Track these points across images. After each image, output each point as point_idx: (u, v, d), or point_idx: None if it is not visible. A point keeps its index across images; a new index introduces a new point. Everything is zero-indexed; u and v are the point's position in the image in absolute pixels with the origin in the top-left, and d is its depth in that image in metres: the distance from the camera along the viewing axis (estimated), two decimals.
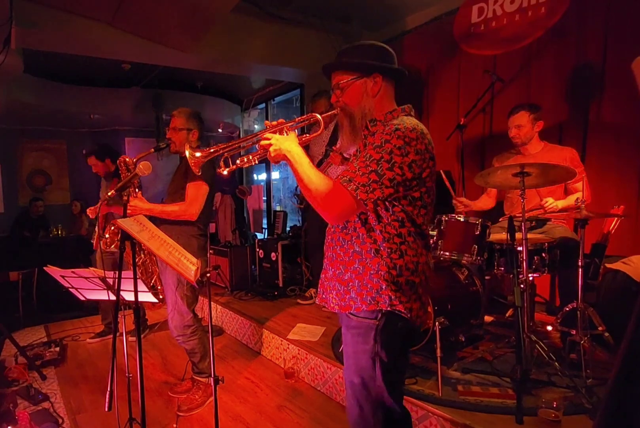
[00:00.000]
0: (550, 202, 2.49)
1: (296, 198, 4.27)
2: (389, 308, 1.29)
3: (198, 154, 1.34)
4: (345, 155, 1.56)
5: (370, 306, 1.30)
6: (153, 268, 2.53)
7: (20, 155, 7.27)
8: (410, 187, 1.27)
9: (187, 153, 1.35)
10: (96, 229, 3.45)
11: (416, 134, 1.25)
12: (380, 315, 1.31)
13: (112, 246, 2.69)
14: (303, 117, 1.39)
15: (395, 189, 1.24)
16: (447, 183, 2.80)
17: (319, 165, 3.48)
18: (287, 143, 1.28)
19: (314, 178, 1.25)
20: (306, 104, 5.53)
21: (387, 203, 1.30)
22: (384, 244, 1.30)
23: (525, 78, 3.35)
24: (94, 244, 3.54)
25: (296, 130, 1.37)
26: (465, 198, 3.41)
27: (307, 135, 1.40)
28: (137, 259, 2.47)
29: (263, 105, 7.00)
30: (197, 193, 2.39)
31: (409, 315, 1.30)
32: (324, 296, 1.46)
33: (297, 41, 4.67)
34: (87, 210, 3.33)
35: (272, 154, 1.29)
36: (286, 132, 1.33)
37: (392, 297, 1.29)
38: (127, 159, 2.40)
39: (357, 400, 1.38)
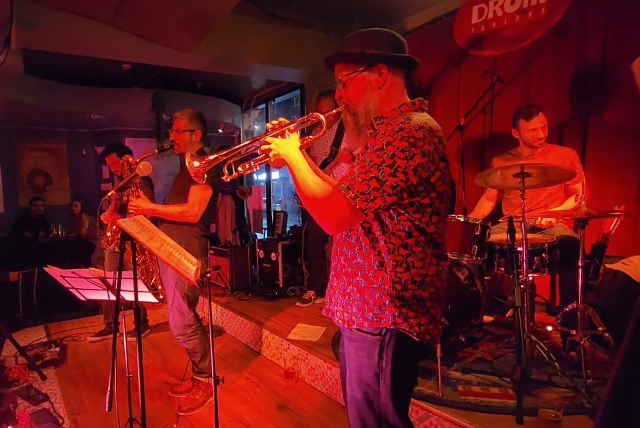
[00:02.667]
0: (546, 221, 2.56)
1: (297, 198, 4.27)
2: (392, 327, 1.19)
3: (196, 163, 1.29)
4: (354, 153, 1.52)
5: (373, 323, 1.21)
6: (154, 268, 2.53)
7: (20, 155, 7.27)
8: (417, 193, 1.15)
9: (186, 163, 1.31)
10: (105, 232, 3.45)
11: (423, 133, 1.12)
12: (384, 331, 1.21)
13: (113, 244, 2.69)
14: (305, 117, 1.33)
15: (399, 197, 1.13)
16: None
17: (324, 165, 3.47)
18: (285, 147, 1.23)
19: (310, 183, 1.19)
20: (306, 103, 5.53)
21: (391, 211, 1.18)
22: (389, 257, 1.19)
23: (526, 78, 3.35)
24: (103, 244, 3.55)
25: (298, 131, 1.32)
26: (465, 199, 3.41)
27: (310, 137, 1.35)
28: (137, 259, 2.47)
29: (263, 105, 7.00)
30: (200, 196, 2.40)
31: (415, 332, 1.20)
32: (329, 307, 1.39)
33: (297, 41, 4.67)
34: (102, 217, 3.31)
35: (272, 160, 1.24)
36: (288, 134, 1.27)
37: (396, 314, 1.18)
38: (131, 159, 2.41)
39: (359, 416, 1.30)
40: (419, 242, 1.20)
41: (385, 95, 1.27)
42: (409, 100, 1.30)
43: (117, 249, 3.43)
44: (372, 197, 1.11)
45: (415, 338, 1.20)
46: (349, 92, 1.29)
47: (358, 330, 1.25)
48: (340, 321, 1.30)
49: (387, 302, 1.19)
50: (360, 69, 1.25)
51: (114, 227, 2.48)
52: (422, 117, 1.19)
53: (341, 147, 3.25)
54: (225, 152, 1.29)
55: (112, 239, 2.61)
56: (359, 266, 1.24)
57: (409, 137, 1.11)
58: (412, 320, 1.19)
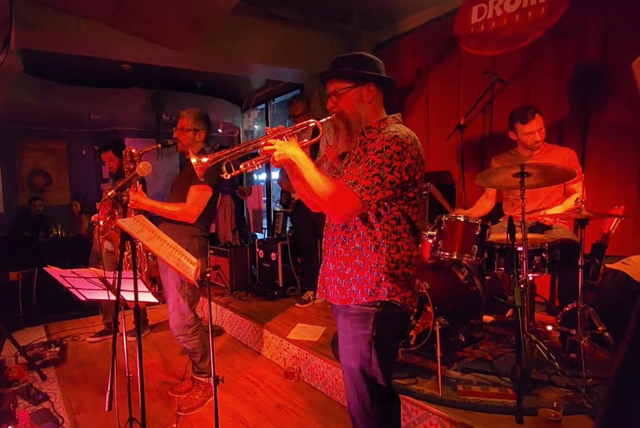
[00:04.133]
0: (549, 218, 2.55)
1: (280, 203, 4.27)
2: (387, 299, 1.42)
3: (205, 160, 1.38)
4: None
5: (370, 298, 1.42)
6: (142, 264, 2.53)
7: (20, 155, 7.27)
8: (406, 188, 1.40)
9: (193, 160, 1.39)
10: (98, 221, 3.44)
11: (411, 140, 1.38)
12: (379, 303, 1.43)
13: (105, 235, 2.69)
14: (302, 123, 1.49)
15: (395, 191, 1.37)
16: (440, 199, 2.79)
17: None
18: (291, 148, 1.36)
19: (320, 181, 1.34)
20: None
21: (386, 203, 1.41)
22: (383, 241, 1.42)
23: (525, 78, 3.35)
24: (101, 245, 3.54)
25: (295, 136, 1.45)
26: (465, 199, 3.41)
27: (307, 140, 1.50)
28: (129, 256, 2.47)
29: (263, 105, 7.00)
30: (199, 196, 2.40)
31: (403, 304, 1.44)
32: (324, 290, 1.57)
33: (297, 41, 4.67)
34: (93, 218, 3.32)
35: (277, 159, 1.36)
36: (286, 138, 1.41)
37: (390, 288, 1.42)
38: (134, 151, 2.41)
39: (354, 384, 1.50)
40: (406, 229, 1.45)
41: (372, 108, 1.51)
42: (386, 114, 1.54)
43: (111, 248, 3.44)
44: (374, 191, 1.33)
45: (402, 308, 1.45)
46: (342, 103, 1.50)
47: (356, 304, 1.45)
48: (338, 300, 1.49)
49: (383, 278, 1.42)
50: (354, 84, 1.47)
51: (107, 218, 2.48)
52: (406, 129, 1.44)
53: (328, 144, 3.25)
54: (228, 151, 1.39)
55: (104, 229, 2.60)
56: (357, 251, 1.45)
57: (402, 142, 1.35)
58: (401, 294, 1.44)
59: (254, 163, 1.41)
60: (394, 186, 1.35)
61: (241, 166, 1.41)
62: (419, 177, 1.42)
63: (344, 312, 1.50)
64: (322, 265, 1.59)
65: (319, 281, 1.60)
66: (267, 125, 6.77)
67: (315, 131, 1.51)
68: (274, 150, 1.36)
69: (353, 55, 1.53)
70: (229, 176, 1.41)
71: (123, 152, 2.47)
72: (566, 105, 3.12)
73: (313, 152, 3.45)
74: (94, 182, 7.71)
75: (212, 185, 2.41)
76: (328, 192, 1.33)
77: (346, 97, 1.48)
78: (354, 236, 1.45)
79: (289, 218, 4.78)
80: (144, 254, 2.54)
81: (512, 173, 2.14)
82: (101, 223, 2.63)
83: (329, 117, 1.52)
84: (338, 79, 1.50)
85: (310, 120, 1.48)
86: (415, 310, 1.56)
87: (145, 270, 2.50)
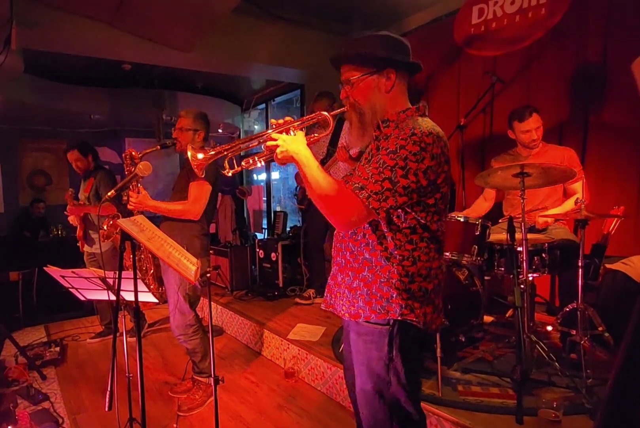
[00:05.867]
0: (542, 221, 2.53)
1: (296, 198, 4.26)
2: (399, 318, 1.24)
3: (200, 156, 1.27)
4: (350, 153, 1.52)
5: (380, 315, 1.26)
6: (148, 266, 2.53)
7: (20, 155, 7.27)
8: (424, 194, 1.21)
9: (189, 155, 1.29)
10: (77, 231, 3.47)
11: (432, 138, 1.19)
12: (392, 321, 1.26)
13: (110, 239, 2.70)
14: (311, 115, 1.32)
15: (410, 197, 1.19)
16: None
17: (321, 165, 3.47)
18: (294, 145, 1.22)
19: (322, 182, 1.19)
20: (307, 104, 5.53)
21: (400, 211, 1.24)
22: (396, 252, 1.25)
23: (526, 79, 3.35)
24: (80, 247, 3.55)
25: (303, 129, 1.31)
26: (465, 199, 3.40)
27: (316, 135, 1.34)
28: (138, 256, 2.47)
29: (263, 106, 7.00)
30: (199, 192, 2.40)
31: (421, 322, 1.26)
32: (331, 301, 1.42)
33: (297, 42, 4.67)
34: (67, 213, 3.37)
35: (279, 156, 1.22)
36: (293, 131, 1.26)
37: (403, 305, 1.24)
38: (134, 153, 2.41)
39: (370, 408, 1.33)
40: (424, 238, 1.26)
41: (391, 98, 1.31)
42: (410, 105, 1.34)
43: (91, 250, 3.46)
44: (384, 197, 1.16)
45: (422, 327, 1.26)
46: (356, 93, 1.31)
47: (366, 322, 1.29)
48: (347, 315, 1.33)
49: (394, 295, 1.24)
50: (370, 71, 1.28)
51: (111, 222, 2.49)
52: (429, 123, 1.26)
53: (339, 145, 3.26)
54: (229, 146, 1.28)
55: (108, 234, 2.61)
56: (366, 262, 1.29)
57: (420, 142, 1.17)
58: (418, 311, 1.25)
59: (256, 159, 1.28)
60: (408, 191, 1.17)
61: (243, 163, 1.29)
62: (441, 180, 1.22)
63: (355, 330, 1.34)
64: (331, 273, 1.44)
65: (326, 289, 1.46)
66: (266, 126, 6.76)
67: (327, 125, 1.34)
68: (277, 146, 1.22)
69: (371, 35, 1.29)
70: (230, 173, 1.29)
71: (123, 155, 2.48)
72: (566, 105, 3.12)
73: (332, 151, 3.41)
74: None
75: (210, 180, 2.41)
76: (331, 196, 1.17)
77: (360, 86, 1.29)
78: (363, 245, 1.29)
79: (301, 215, 4.76)
80: (149, 256, 2.55)
81: (512, 173, 2.14)
82: (105, 227, 2.64)
83: (341, 109, 1.34)
84: (351, 64, 1.30)
85: (321, 112, 1.32)
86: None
87: (151, 271, 2.51)
